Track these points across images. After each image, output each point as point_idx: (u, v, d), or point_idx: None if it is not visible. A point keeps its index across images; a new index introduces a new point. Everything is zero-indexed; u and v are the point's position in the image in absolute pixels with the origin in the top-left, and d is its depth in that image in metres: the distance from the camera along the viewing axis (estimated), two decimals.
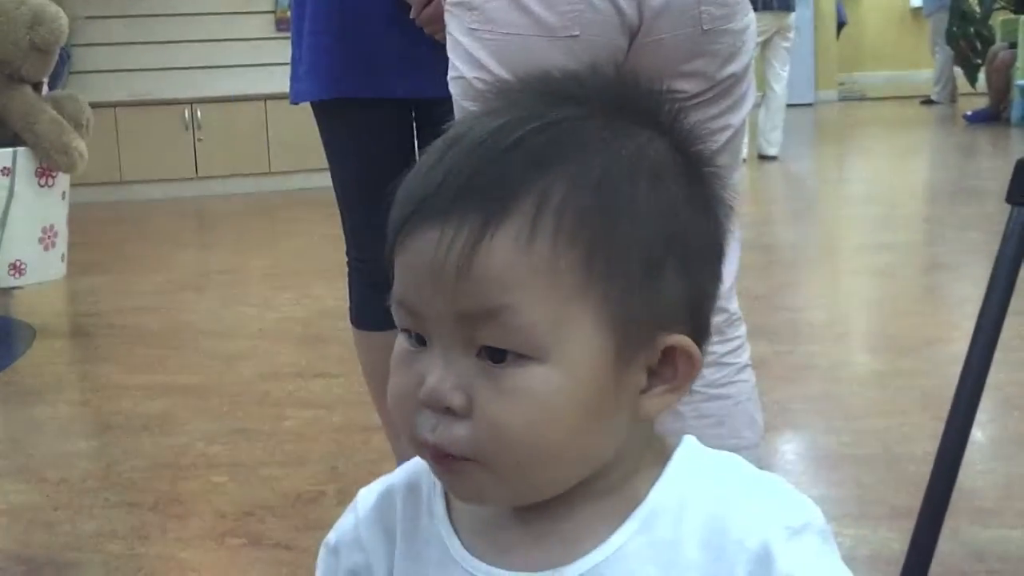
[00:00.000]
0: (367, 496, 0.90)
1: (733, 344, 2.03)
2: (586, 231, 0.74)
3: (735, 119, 1.97)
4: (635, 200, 0.76)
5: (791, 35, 9.69)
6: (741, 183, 2.08)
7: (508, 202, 0.74)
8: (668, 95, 0.82)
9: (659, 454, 0.82)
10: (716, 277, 0.83)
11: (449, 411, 0.75)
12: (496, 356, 0.74)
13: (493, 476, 0.76)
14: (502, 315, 0.73)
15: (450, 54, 1.90)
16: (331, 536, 0.91)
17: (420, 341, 0.77)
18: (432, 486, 0.86)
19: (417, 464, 0.88)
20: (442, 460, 0.77)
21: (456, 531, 0.84)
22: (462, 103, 1.88)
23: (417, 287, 0.76)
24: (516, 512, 0.82)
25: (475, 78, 1.85)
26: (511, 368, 0.74)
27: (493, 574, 0.81)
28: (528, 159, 0.75)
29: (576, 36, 1.79)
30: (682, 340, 0.78)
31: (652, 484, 0.80)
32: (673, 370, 0.79)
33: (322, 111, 2.55)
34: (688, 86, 1.89)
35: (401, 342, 0.79)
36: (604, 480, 0.80)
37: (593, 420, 0.77)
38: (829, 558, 0.78)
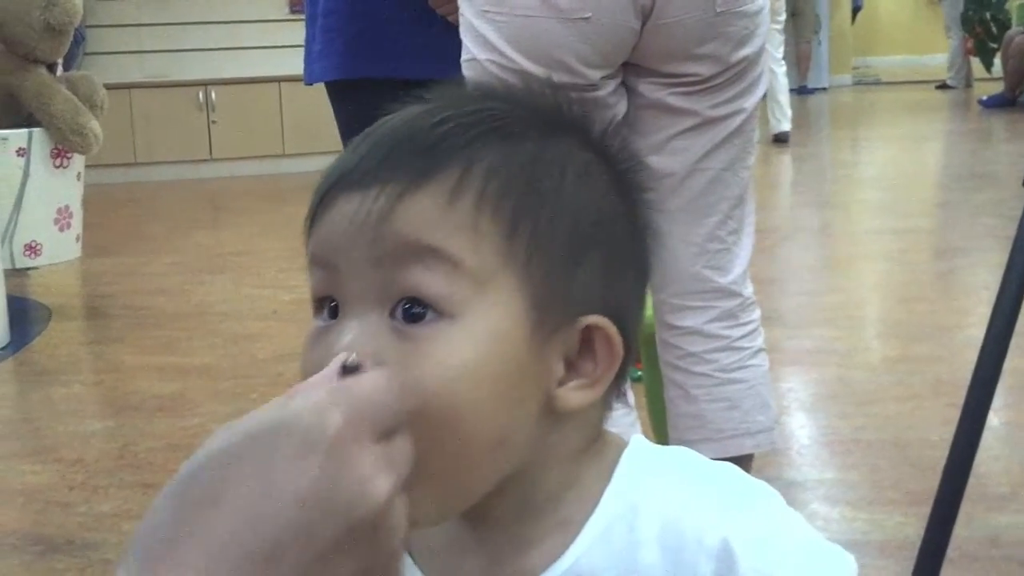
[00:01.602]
0: None
1: (747, 328, 2.03)
2: (510, 201, 0.74)
3: (748, 103, 1.97)
4: (563, 184, 0.76)
5: (781, 18, 9.62)
6: (755, 167, 2.08)
7: (432, 167, 0.73)
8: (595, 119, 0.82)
9: (606, 460, 0.80)
10: (639, 285, 0.82)
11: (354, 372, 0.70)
12: (411, 315, 0.72)
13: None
14: (429, 259, 0.72)
15: (463, 36, 1.90)
16: None
17: (332, 315, 0.76)
18: None
19: None
20: None
21: (413, 559, 0.82)
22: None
23: (333, 239, 0.75)
24: (470, 535, 0.80)
25: (487, 60, 1.85)
26: (427, 327, 0.71)
27: None
28: (456, 134, 0.75)
29: (588, 18, 1.79)
30: (603, 320, 0.76)
31: (602, 491, 0.78)
32: (592, 363, 0.77)
33: (335, 92, 2.56)
34: (701, 69, 1.89)
35: (316, 322, 0.77)
36: (544, 490, 0.79)
37: (509, 395, 0.74)
38: (791, 542, 0.76)
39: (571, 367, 0.76)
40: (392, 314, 0.72)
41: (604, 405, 0.81)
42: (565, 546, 0.77)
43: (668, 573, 0.76)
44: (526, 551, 0.78)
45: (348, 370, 0.69)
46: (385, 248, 0.72)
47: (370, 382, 0.67)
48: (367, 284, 0.73)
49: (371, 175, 0.74)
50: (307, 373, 0.73)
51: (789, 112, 9.64)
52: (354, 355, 0.69)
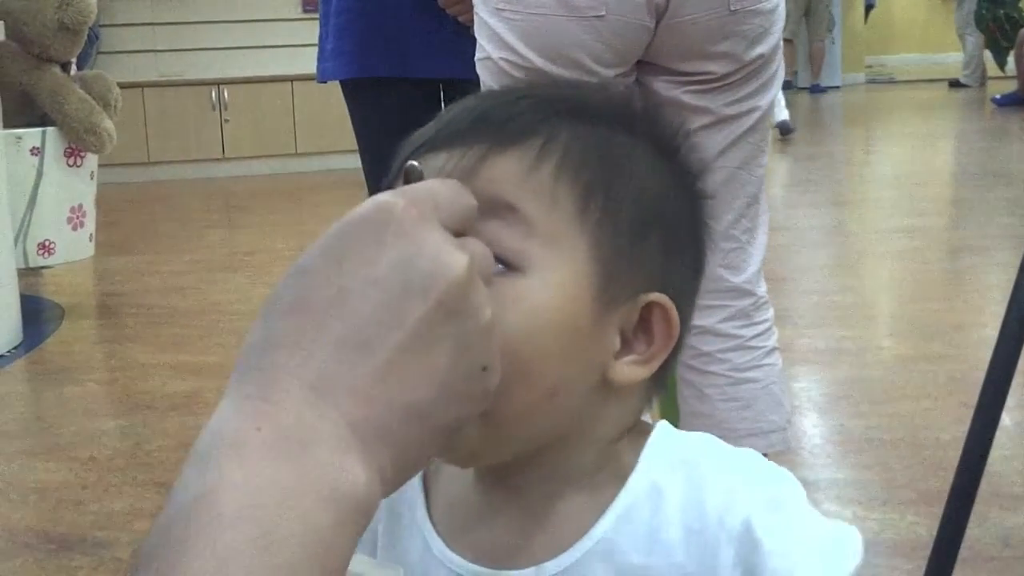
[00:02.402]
0: None
1: (760, 328, 2.02)
2: (586, 174, 0.77)
3: (763, 101, 1.97)
4: (632, 165, 0.80)
5: None
6: (768, 165, 2.07)
7: (516, 135, 0.77)
8: (673, 121, 0.85)
9: (635, 444, 0.81)
10: (695, 271, 0.85)
11: None
12: None
13: None
14: (506, 213, 0.74)
15: (477, 35, 1.90)
16: None
17: None
18: (410, 483, 0.84)
19: None
20: None
21: (436, 529, 0.83)
22: (489, 84, 1.88)
23: None
24: (496, 506, 0.81)
25: (501, 58, 1.85)
26: (497, 277, 0.72)
27: (476, 572, 0.80)
28: (538, 109, 0.79)
29: (602, 16, 1.79)
30: (663, 298, 0.79)
31: (629, 473, 0.80)
32: (647, 340, 0.79)
33: (349, 90, 2.57)
34: (715, 67, 1.89)
35: None
36: (579, 465, 0.80)
37: (568, 350, 0.76)
38: (811, 527, 0.78)
39: (626, 342, 0.79)
40: None
41: (647, 394, 0.83)
42: (591, 523, 0.79)
43: (690, 553, 0.77)
44: (552, 525, 0.79)
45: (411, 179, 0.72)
46: None
47: (432, 182, 0.68)
48: None
49: (456, 138, 0.77)
50: None
51: (783, 101, 9.59)
52: (417, 164, 0.72)
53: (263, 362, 0.59)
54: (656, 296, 0.79)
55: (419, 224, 0.62)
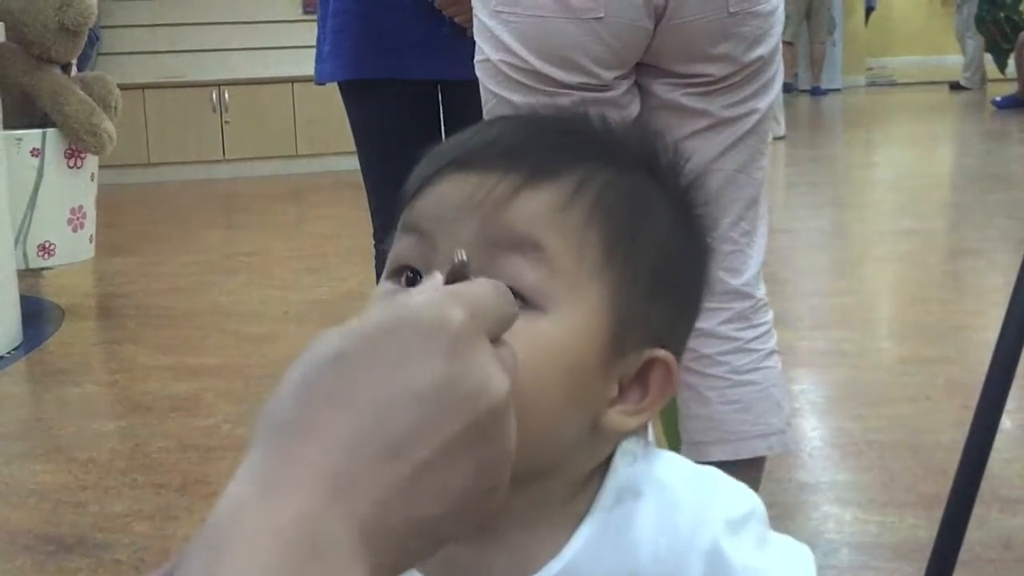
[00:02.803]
0: None
1: (759, 330, 2.02)
2: (615, 222, 0.77)
3: (762, 103, 1.96)
4: (659, 223, 0.80)
5: None
6: (768, 167, 2.07)
7: (552, 172, 0.76)
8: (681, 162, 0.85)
9: (600, 463, 0.82)
10: (691, 326, 0.85)
11: None
12: None
13: None
14: (532, 251, 0.74)
15: (476, 37, 1.90)
16: None
17: (411, 283, 0.76)
18: None
19: None
20: None
21: None
22: (488, 86, 1.88)
23: (440, 212, 0.76)
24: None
25: (500, 60, 1.85)
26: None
27: None
28: (577, 146, 0.79)
29: (600, 18, 1.79)
30: (668, 356, 0.79)
31: (598, 493, 0.80)
32: (642, 392, 0.79)
33: (347, 92, 2.57)
34: (714, 70, 1.89)
35: (389, 285, 0.78)
36: (561, 492, 0.80)
37: (571, 394, 0.76)
38: (776, 544, 0.81)
39: (621, 391, 0.79)
40: None
41: (629, 434, 0.83)
42: (561, 545, 0.79)
43: (662, 569, 0.78)
44: (523, 548, 0.79)
45: (455, 277, 0.69)
46: (494, 233, 0.74)
47: (481, 286, 0.66)
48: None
49: (492, 162, 0.76)
50: None
51: (781, 118, 9.57)
52: (462, 253, 0.70)
53: (285, 444, 0.57)
54: (661, 353, 0.79)
55: (472, 343, 0.61)
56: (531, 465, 0.75)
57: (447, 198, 0.76)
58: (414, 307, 0.61)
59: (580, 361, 0.76)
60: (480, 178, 0.76)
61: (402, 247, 0.78)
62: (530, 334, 0.72)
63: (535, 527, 0.79)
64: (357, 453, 0.56)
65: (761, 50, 1.91)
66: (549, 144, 0.78)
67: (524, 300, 0.73)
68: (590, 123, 0.83)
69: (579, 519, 0.80)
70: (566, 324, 0.75)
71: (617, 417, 0.78)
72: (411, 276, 0.77)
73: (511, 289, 0.71)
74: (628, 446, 0.82)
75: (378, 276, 2.93)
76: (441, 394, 0.58)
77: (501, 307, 0.65)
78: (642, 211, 0.79)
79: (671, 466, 0.83)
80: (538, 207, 0.75)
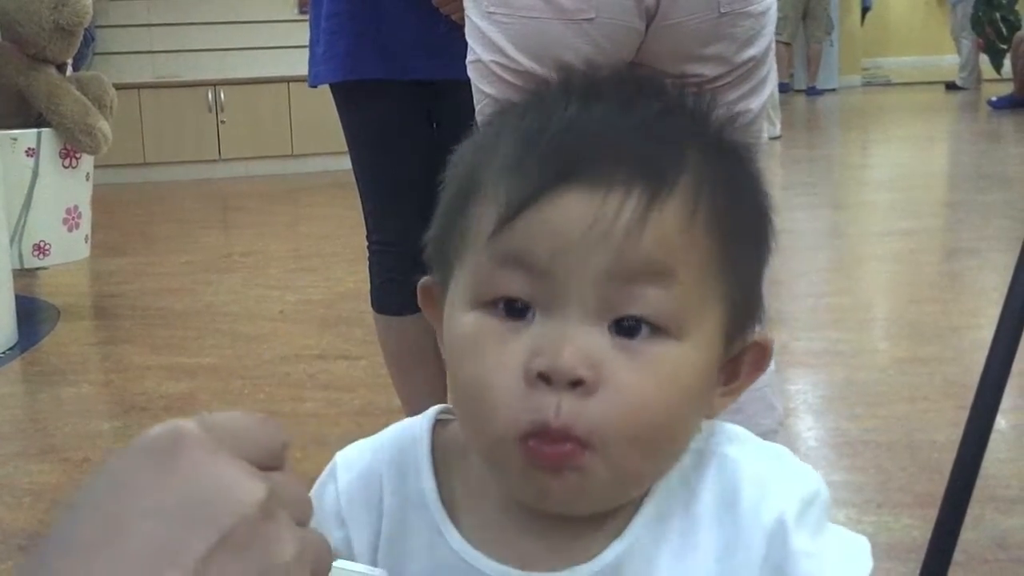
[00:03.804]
0: (347, 465, 0.84)
1: None
2: (729, 219, 0.74)
3: (755, 103, 1.96)
4: (747, 201, 0.77)
5: None
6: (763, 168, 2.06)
7: (672, 175, 0.71)
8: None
9: None
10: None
11: (576, 386, 0.69)
12: (630, 331, 0.71)
13: (607, 468, 0.71)
14: (666, 281, 0.71)
15: (468, 37, 1.90)
16: None
17: (517, 313, 0.72)
18: (420, 460, 0.81)
19: (400, 437, 0.84)
20: (552, 454, 0.70)
21: (451, 517, 0.79)
22: (480, 86, 1.88)
23: (557, 245, 0.70)
24: (528, 512, 0.77)
25: (492, 61, 1.85)
26: (647, 343, 0.71)
27: (492, 568, 0.77)
28: (675, 130, 0.74)
29: (592, 19, 1.79)
30: (765, 338, 0.79)
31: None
32: (734, 371, 0.79)
33: (340, 93, 2.56)
34: (706, 70, 1.88)
35: (483, 318, 0.73)
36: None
37: (701, 407, 0.76)
38: (836, 531, 0.79)
39: (720, 371, 0.78)
40: (608, 327, 0.71)
41: None
42: (623, 527, 0.77)
43: (723, 549, 0.76)
44: (582, 531, 0.77)
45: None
46: (628, 266, 0.70)
47: (237, 414, 0.60)
48: (589, 294, 0.70)
49: (606, 171, 0.70)
50: (490, 376, 0.71)
51: (778, 116, 9.58)
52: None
53: None
54: (760, 337, 0.78)
55: (212, 452, 0.54)
56: (667, 470, 0.77)
57: (565, 226, 0.70)
58: (150, 432, 0.56)
59: (710, 375, 0.75)
60: (601, 197, 0.69)
61: (506, 281, 0.72)
62: (670, 364, 0.71)
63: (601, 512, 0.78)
64: None
65: (753, 51, 1.90)
66: (654, 135, 0.73)
67: (659, 329, 0.71)
68: (665, 89, 0.78)
69: (642, 496, 0.77)
70: (699, 346, 0.73)
71: (718, 400, 0.78)
72: (519, 307, 0.72)
73: (646, 320, 0.70)
74: None
75: (372, 277, 2.91)
76: (179, 507, 0.52)
77: (258, 429, 0.59)
78: (736, 194, 0.76)
79: (737, 440, 0.81)
80: (668, 230, 0.70)
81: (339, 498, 0.83)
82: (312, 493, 0.81)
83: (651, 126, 0.73)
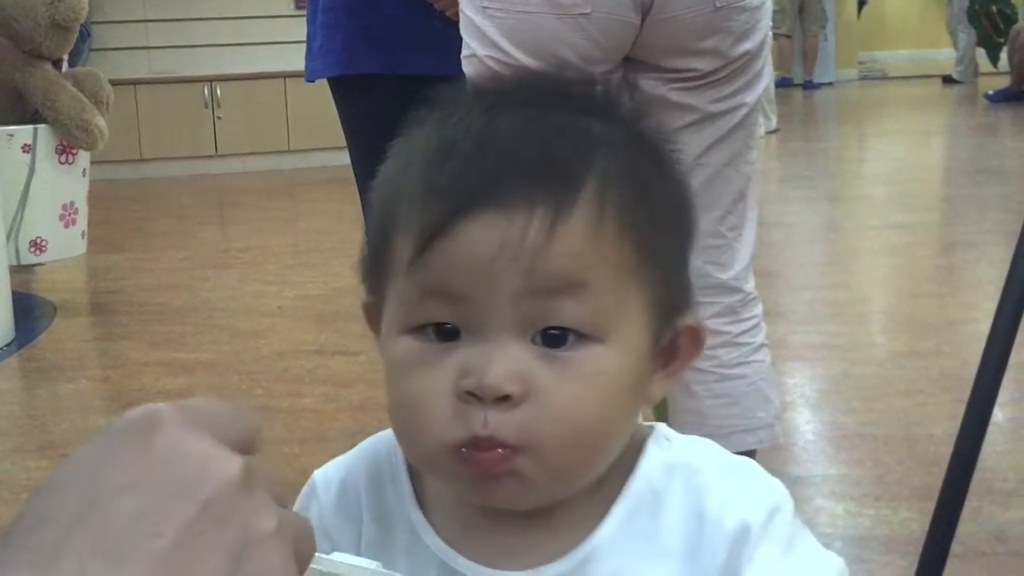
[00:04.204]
0: (326, 483, 0.87)
1: (748, 324, 2.02)
2: (637, 218, 0.75)
3: (750, 97, 1.96)
4: (667, 198, 0.79)
5: None
6: (758, 161, 2.07)
7: (576, 186, 0.73)
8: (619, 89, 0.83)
9: (633, 447, 0.82)
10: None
11: (503, 400, 0.72)
12: (556, 340, 0.73)
13: (540, 469, 0.73)
14: (579, 292, 0.73)
15: (463, 33, 1.90)
16: None
17: (446, 335, 0.74)
18: (396, 468, 0.84)
19: (374, 449, 0.87)
20: (487, 460, 0.73)
21: (428, 519, 0.82)
22: (475, 82, 1.88)
23: (471, 271, 0.72)
24: (497, 509, 0.79)
25: (487, 56, 1.85)
26: (573, 351, 0.73)
27: (470, 568, 0.79)
28: (575, 146, 0.75)
29: (587, 14, 1.79)
30: (696, 321, 0.80)
31: (629, 476, 0.80)
32: (671, 355, 0.80)
33: (336, 88, 2.56)
34: (701, 64, 1.88)
35: (414, 342, 0.76)
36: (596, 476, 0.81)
37: (634, 403, 0.78)
38: (803, 538, 0.79)
39: (654, 360, 0.80)
40: (532, 339, 0.73)
41: None
42: (591, 529, 0.79)
43: (688, 555, 0.78)
44: (553, 530, 0.79)
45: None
46: (539, 283, 0.72)
47: (210, 402, 0.61)
48: (508, 313, 0.73)
49: (509, 192, 0.72)
50: (422, 396, 0.74)
51: (773, 112, 9.57)
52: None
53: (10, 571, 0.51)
54: (691, 321, 0.80)
55: (188, 430, 0.55)
56: (604, 467, 0.78)
57: (475, 253, 0.72)
58: (125, 415, 0.56)
59: (641, 371, 0.77)
60: (507, 219, 0.71)
61: (430, 309, 0.75)
62: (597, 370, 0.74)
63: (567, 506, 0.79)
64: (72, 564, 0.50)
65: (748, 45, 1.91)
66: (557, 146, 0.74)
67: (579, 335, 0.73)
68: (572, 93, 0.80)
69: (611, 501, 0.79)
70: (623, 345, 0.75)
71: (656, 386, 0.80)
72: (448, 329, 0.74)
73: (566, 329, 0.73)
74: (662, 431, 0.83)
75: None
76: (158, 480, 0.52)
77: (232, 416, 0.60)
78: (647, 188, 0.77)
79: (703, 451, 0.83)
80: (575, 242, 0.72)
81: (322, 514, 0.86)
82: (296, 510, 0.84)
83: (554, 137, 0.74)
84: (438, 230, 0.72)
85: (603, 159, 0.74)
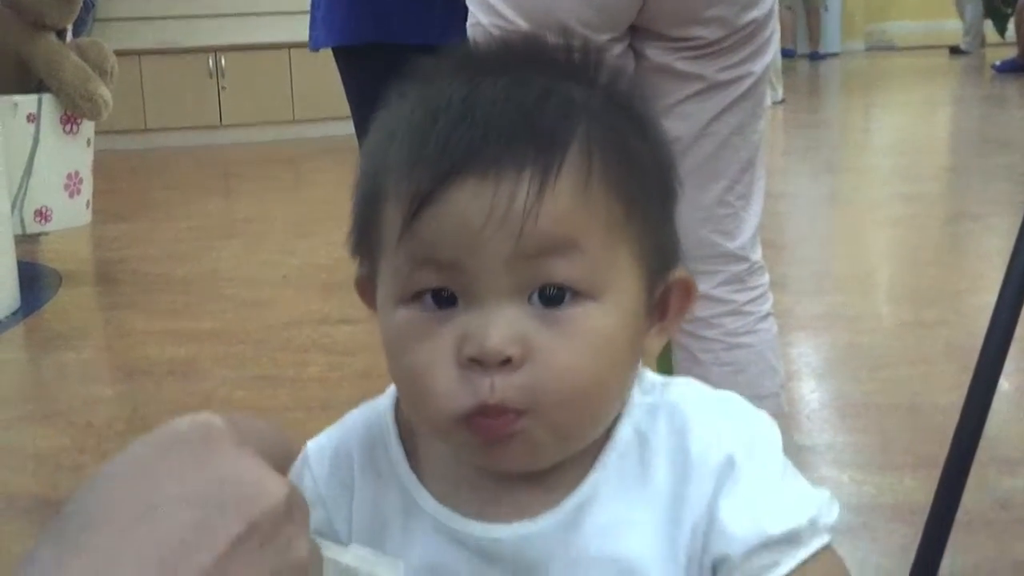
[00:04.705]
0: (319, 453, 0.88)
1: (754, 293, 2.02)
2: (623, 176, 0.76)
3: (757, 66, 1.95)
4: (644, 146, 0.79)
5: None
6: (766, 132, 2.06)
7: (561, 149, 0.74)
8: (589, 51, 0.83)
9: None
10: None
11: (505, 364, 0.73)
12: (552, 300, 0.74)
13: (547, 430, 0.75)
14: (571, 252, 0.74)
15: (468, 1, 1.89)
16: None
17: (444, 303, 0.75)
18: (387, 434, 0.86)
19: (364, 417, 0.88)
20: (496, 426, 0.74)
21: (420, 480, 0.83)
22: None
23: (462, 237, 0.73)
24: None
25: (492, 24, 1.84)
26: (569, 309, 0.74)
27: (464, 524, 0.80)
28: (558, 110, 0.75)
29: None
30: (684, 274, 0.82)
31: (616, 423, 0.81)
32: (663, 309, 0.82)
33: (340, 57, 2.55)
34: (707, 33, 1.87)
35: (411, 312, 0.76)
36: None
37: (632, 358, 0.79)
38: (788, 471, 0.80)
39: (648, 314, 0.81)
40: (529, 300, 0.74)
41: None
42: (581, 478, 0.80)
43: (676, 494, 0.79)
44: (544, 481, 0.80)
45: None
46: (528, 246, 0.73)
47: (255, 419, 0.63)
48: (502, 277, 0.74)
49: (496, 158, 0.72)
50: (424, 366, 0.75)
51: (779, 83, 9.55)
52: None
53: (53, 568, 0.52)
54: (680, 275, 0.81)
55: (240, 447, 0.58)
56: (607, 423, 0.80)
57: (464, 219, 0.73)
58: (179, 422, 0.58)
59: (635, 325, 0.79)
60: (493, 185, 0.72)
61: (424, 276, 0.75)
62: (592, 327, 0.75)
63: (563, 460, 0.80)
64: (128, 570, 0.51)
65: (755, 13, 1.89)
66: (540, 110, 0.74)
67: (575, 293, 0.75)
68: (553, 57, 0.81)
69: (600, 448, 0.81)
70: (618, 302, 0.76)
71: (652, 340, 0.82)
72: (446, 296, 0.75)
73: (561, 287, 0.74)
74: (646, 376, 0.84)
75: None
76: (211, 495, 0.54)
77: (276, 437, 0.62)
78: (630, 148, 0.78)
79: (684, 390, 0.84)
80: (565, 204, 0.73)
81: (316, 482, 0.87)
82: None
83: (537, 102, 0.75)
84: (426, 198, 0.73)
85: (586, 122, 0.75)
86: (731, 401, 0.83)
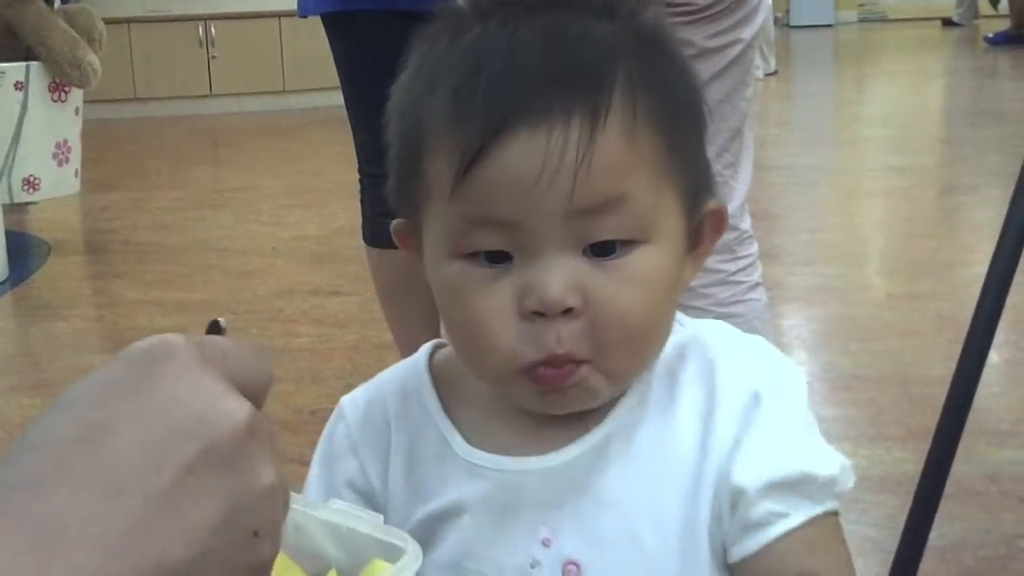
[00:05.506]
0: (353, 403, 0.90)
1: (743, 262, 2.00)
2: (664, 117, 0.77)
3: (746, 33, 1.93)
4: (675, 83, 0.80)
5: None
6: (755, 101, 2.05)
7: (606, 92, 0.73)
8: None
9: None
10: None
11: (567, 313, 0.74)
12: (605, 250, 0.75)
13: (604, 374, 0.77)
14: (621, 204, 0.74)
15: None
16: (322, 448, 0.90)
17: (499, 259, 0.76)
18: (422, 384, 0.87)
19: (401, 369, 0.90)
20: (558, 376, 0.76)
21: (455, 425, 0.84)
22: None
23: (516, 196, 0.73)
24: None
25: None
26: (623, 257, 0.75)
27: (497, 462, 0.82)
28: (599, 51, 0.75)
29: None
30: (719, 205, 0.83)
31: None
32: (697, 239, 0.83)
33: (329, 24, 2.52)
34: None
35: (466, 267, 0.76)
36: None
37: (676, 293, 0.80)
38: (814, 428, 0.81)
39: (687, 246, 0.82)
40: (583, 251, 0.75)
41: None
42: (610, 409, 0.81)
43: (702, 428, 0.80)
44: (575, 417, 0.81)
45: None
46: (580, 203, 0.73)
47: (230, 341, 0.59)
48: (557, 231, 0.74)
49: (546, 112, 0.72)
50: (485, 321, 0.76)
51: (771, 54, 9.55)
52: (221, 322, 0.66)
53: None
54: (714, 205, 0.83)
55: (200, 366, 0.54)
56: (656, 355, 0.82)
57: (518, 175, 0.72)
58: (141, 341, 0.55)
59: (679, 262, 0.80)
60: (545, 135, 0.72)
61: (479, 238, 0.75)
62: (643, 268, 0.76)
63: None
64: (66, 493, 0.49)
65: None
66: (582, 53, 0.75)
67: (629, 241, 0.76)
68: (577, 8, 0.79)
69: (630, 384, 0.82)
70: (665, 239, 0.77)
71: (687, 269, 0.83)
72: (501, 253, 0.75)
73: (616, 241, 0.75)
74: (676, 316, 0.85)
75: (363, 209, 2.88)
76: (165, 414, 0.51)
77: (249, 358, 0.58)
78: (666, 82, 0.78)
79: (715, 329, 0.85)
80: (614, 150, 0.73)
81: (350, 431, 0.88)
82: (323, 436, 0.90)
83: (577, 44, 0.75)
84: (477, 154, 0.73)
85: (625, 59, 0.75)
86: (761, 343, 0.85)
